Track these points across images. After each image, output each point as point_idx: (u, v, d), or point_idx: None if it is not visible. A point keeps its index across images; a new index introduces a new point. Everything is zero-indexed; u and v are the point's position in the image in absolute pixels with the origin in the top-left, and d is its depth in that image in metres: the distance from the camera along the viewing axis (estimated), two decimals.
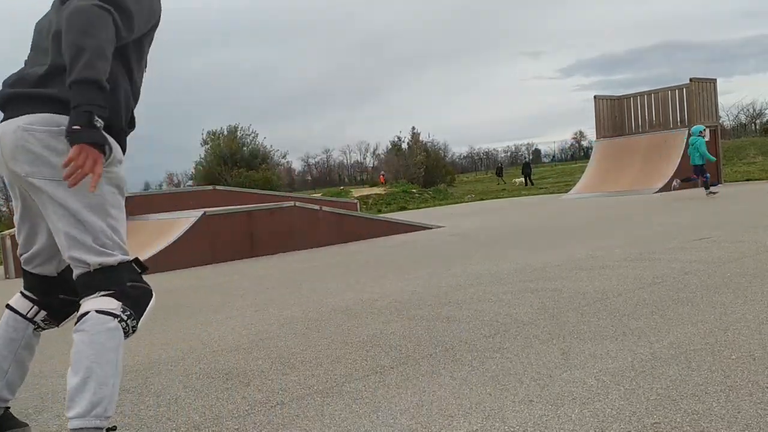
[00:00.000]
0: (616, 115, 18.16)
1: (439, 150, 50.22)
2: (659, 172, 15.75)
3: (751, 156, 30.87)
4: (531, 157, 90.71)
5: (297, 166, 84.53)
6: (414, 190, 32.39)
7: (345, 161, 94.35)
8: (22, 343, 2.12)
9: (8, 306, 2.18)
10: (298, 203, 9.92)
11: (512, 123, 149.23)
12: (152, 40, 2.19)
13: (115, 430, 1.95)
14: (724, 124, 50.28)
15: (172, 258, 8.22)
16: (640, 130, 17.69)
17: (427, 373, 2.79)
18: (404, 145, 45.32)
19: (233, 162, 39.99)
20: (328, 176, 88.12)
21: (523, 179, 36.15)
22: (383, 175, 44.33)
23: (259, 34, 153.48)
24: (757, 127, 55.93)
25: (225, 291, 5.94)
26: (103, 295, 1.91)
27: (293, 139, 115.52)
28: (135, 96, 2.16)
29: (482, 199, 22.52)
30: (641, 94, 18.03)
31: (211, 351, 3.58)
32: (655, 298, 3.85)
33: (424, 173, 41.04)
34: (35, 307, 2.14)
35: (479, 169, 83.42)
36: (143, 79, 2.23)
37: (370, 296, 4.85)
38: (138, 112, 2.41)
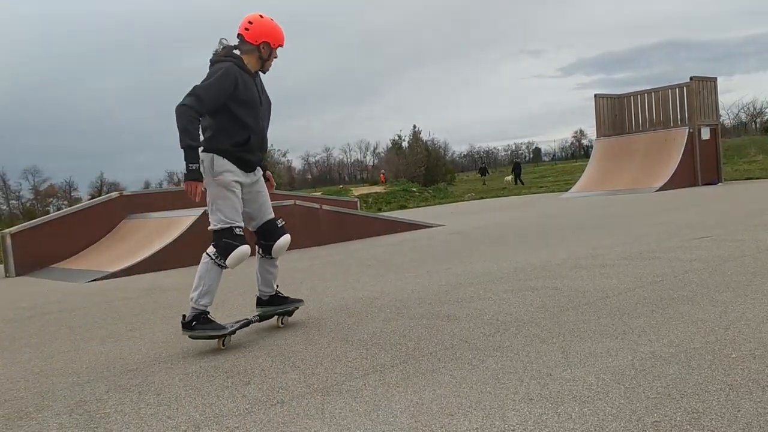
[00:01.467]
0: (616, 114, 18.12)
1: (440, 148, 50.22)
2: (659, 171, 15.73)
3: (751, 154, 30.90)
4: (531, 156, 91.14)
5: (297, 164, 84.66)
6: (414, 189, 32.43)
7: (345, 160, 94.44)
8: (258, 263, 3.98)
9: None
10: (298, 202, 9.90)
11: (513, 121, 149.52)
12: (242, 102, 3.65)
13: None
14: (725, 122, 50.34)
15: (173, 256, 8.22)
16: (641, 128, 17.65)
17: (428, 372, 2.80)
18: (405, 144, 45.34)
19: None
20: (328, 175, 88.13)
21: (511, 178, 36.27)
22: (383, 174, 44.35)
23: None
24: (758, 125, 55.93)
25: (224, 289, 5.94)
26: (212, 244, 3.63)
27: (293, 138, 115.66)
28: (247, 129, 3.69)
29: (482, 198, 22.51)
30: (642, 92, 17.97)
31: (212, 349, 3.58)
32: (656, 296, 3.85)
33: (424, 172, 41.05)
34: (257, 246, 3.95)
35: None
36: (260, 118, 3.78)
37: (370, 295, 4.85)
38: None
